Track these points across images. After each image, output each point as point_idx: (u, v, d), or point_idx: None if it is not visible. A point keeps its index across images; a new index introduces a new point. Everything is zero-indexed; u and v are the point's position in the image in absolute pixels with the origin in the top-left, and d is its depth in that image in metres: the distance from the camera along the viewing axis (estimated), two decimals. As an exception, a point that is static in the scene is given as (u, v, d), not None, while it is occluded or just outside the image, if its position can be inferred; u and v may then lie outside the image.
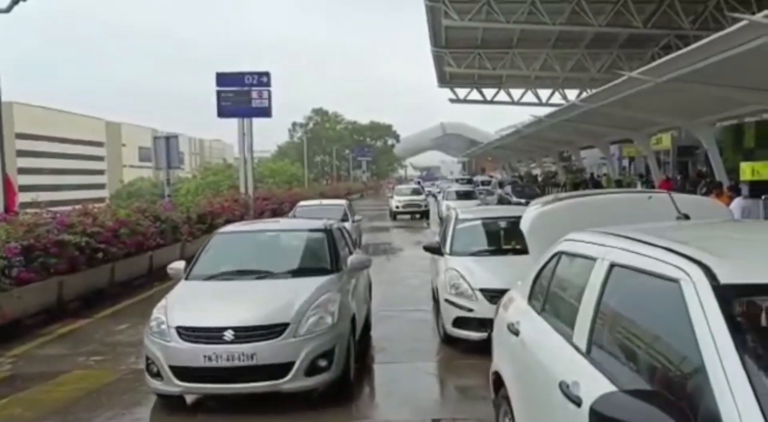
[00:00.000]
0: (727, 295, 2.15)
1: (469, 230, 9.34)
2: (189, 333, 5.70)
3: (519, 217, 9.14)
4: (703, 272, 2.26)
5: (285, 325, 5.68)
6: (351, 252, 7.90)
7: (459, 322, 7.57)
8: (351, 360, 6.30)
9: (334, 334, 5.90)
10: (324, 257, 7.15)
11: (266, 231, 8.37)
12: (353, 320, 6.55)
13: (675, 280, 2.35)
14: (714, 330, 2.07)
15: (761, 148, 22.64)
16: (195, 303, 6.29)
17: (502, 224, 9.33)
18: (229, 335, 5.57)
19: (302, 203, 18.58)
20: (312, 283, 6.37)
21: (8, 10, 12.51)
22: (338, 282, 6.65)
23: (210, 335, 5.64)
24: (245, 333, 5.59)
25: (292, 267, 7.03)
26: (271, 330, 5.64)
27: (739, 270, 2.28)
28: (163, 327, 5.78)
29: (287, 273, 6.84)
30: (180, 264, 7.09)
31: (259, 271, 6.87)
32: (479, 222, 9.78)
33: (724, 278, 2.20)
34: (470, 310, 7.44)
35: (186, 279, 6.83)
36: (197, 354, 5.58)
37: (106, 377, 7.09)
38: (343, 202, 19.01)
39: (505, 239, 9.02)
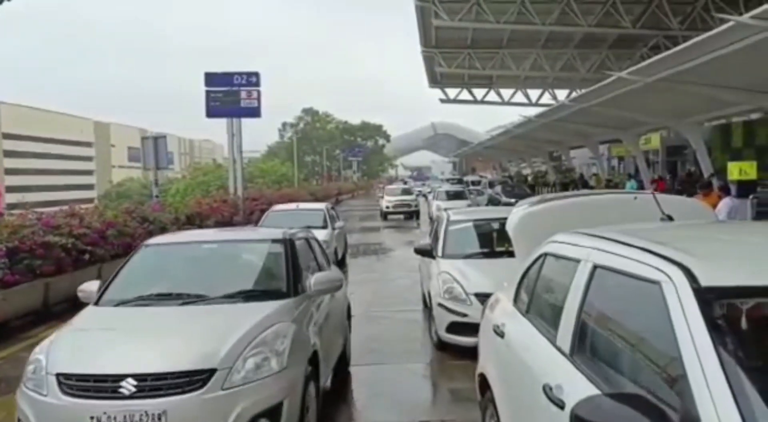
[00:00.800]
0: (708, 298, 2.14)
1: (461, 232, 9.11)
2: (72, 384, 4.16)
3: None
4: (683, 274, 2.25)
5: (210, 372, 4.14)
6: (321, 269, 6.32)
7: (453, 328, 7.31)
8: (310, 418, 4.78)
9: (283, 384, 4.37)
10: (279, 276, 5.53)
11: (206, 243, 6.53)
12: (315, 360, 5.02)
13: (656, 282, 2.34)
14: (694, 332, 2.07)
15: (749, 148, 22.83)
16: (89, 340, 4.74)
17: (495, 225, 9.00)
18: (128, 386, 4.05)
19: (276, 208, 16.00)
20: (257, 311, 4.83)
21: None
22: (295, 310, 5.07)
23: (102, 386, 4.11)
24: (152, 384, 4.08)
25: (234, 289, 5.32)
26: (191, 379, 4.10)
27: (720, 273, 2.28)
28: (42, 373, 4.27)
29: (226, 297, 5.19)
30: (93, 286, 5.52)
31: (189, 295, 5.24)
32: (471, 223, 9.56)
33: (704, 280, 2.20)
34: (465, 315, 7.18)
35: (95, 304, 5.32)
36: (81, 415, 4.03)
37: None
38: (322, 205, 16.49)
39: (498, 241, 8.73)
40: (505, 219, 9.15)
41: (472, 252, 8.69)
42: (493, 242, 8.86)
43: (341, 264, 14.29)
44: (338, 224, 15.25)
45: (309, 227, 12.06)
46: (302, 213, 14.50)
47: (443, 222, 9.26)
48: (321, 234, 11.38)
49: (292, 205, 16.89)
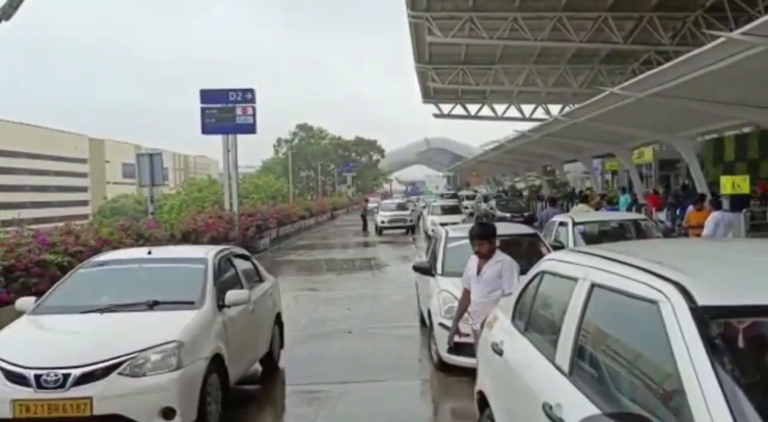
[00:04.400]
0: (705, 317, 2.17)
1: (460, 249, 8.65)
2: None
3: (512, 235, 9.06)
4: (681, 294, 2.28)
5: None
6: None
7: (455, 348, 6.89)
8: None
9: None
10: None
11: None
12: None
13: (654, 301, 2.38)
14: (692, 351, 2.10)
15: (741, 161, 23.01)
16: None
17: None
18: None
19: (101, 258, 7.25)
20: None
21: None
22: None
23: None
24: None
25: None
26: None
27: (717, 292, 2.31)
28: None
29: None
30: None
31: None
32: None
33: (701, 300, 2.23)
34: (467, 335, 6.68)
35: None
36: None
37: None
38: (205, 253, 6.94)
39: None
40: (505, 235, 9.17)
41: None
42: None
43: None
44: (246, 294, 6.56)
45: (156, 304, 5.82)
46: (150, 272, 6.85)
47: (441, 239, 9.03)
48: (172, 328, 5.41)
49: (136, 253, 8.01)
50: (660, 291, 2.37)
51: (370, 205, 36.48)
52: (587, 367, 2.83)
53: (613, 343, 2.80)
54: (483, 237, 5.72)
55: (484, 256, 5.63)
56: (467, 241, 9.41)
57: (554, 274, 3.55)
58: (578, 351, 2.89)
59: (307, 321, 10.94)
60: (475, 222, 8.80)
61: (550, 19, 25.47)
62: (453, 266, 8.27)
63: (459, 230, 10.21)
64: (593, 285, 2.92)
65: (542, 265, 3.78)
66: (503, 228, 10.89)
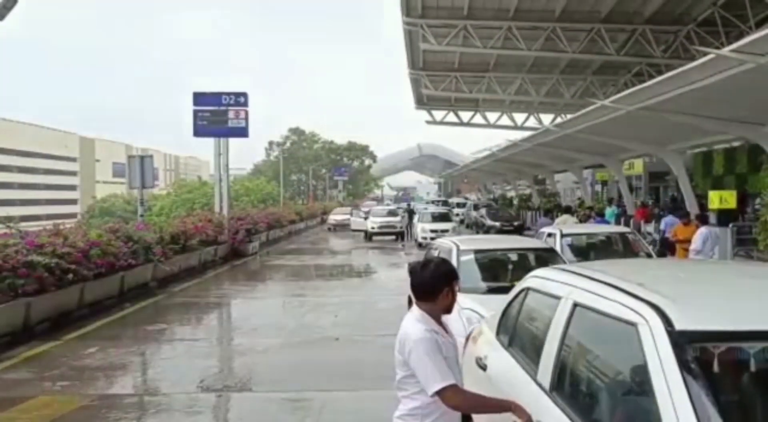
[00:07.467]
0: (682, 341, 2.22)
1: (475, 263, 8.48)
2: None
3: (526, 249, 8.82)
4: (659, 317, 2.33)
5: None
6: None
7: None
8: None
9: None
10: None
11: None
12: None
13: (633, 324, 2.42)
14: (668, 374, 2.14)
15: (729, 175, 23.16)
16: None
17: (512, 256, 8.59)
18: None
19: None
20: None
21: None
22: None
23: None
24: None
25: None
26: None
27: (694, 317, 2.36)
28: None
29: None
30: None
31: None
32: (485, 254, 8.91)
33: (678, 324, 2.27)
34: None
35: None
36: None
37: (72, 403, 6.96)
38: None
39: (513, 273, 8.08)
40: (519, 249, 8.91)
41: (492, 286, 7.91)
42: (509, 274, 8.27)
43: None
44: None
45: None
46: None
47: (452, 252, 8.42)
48: None
49: None
50: (639, 313, 2.41)
51: (339, 217, 35.92)
52: (568, 386, 2.87)
53: (594, 363, 2.84)
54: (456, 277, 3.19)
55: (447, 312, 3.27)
56: (482, 255, 8.52)
57: (538, 291, 3.58)
58: (559, 369, 2.92)
59: (293, 326, 10.93)
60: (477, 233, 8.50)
61: (543, 29, 25.63)
62: (471, 281, 7.77)
63: (469, 242, 9.81)
64: (575, 305, 2.96)
65: (527, 282, 3.82)
66: (514, 242, 10.33)
